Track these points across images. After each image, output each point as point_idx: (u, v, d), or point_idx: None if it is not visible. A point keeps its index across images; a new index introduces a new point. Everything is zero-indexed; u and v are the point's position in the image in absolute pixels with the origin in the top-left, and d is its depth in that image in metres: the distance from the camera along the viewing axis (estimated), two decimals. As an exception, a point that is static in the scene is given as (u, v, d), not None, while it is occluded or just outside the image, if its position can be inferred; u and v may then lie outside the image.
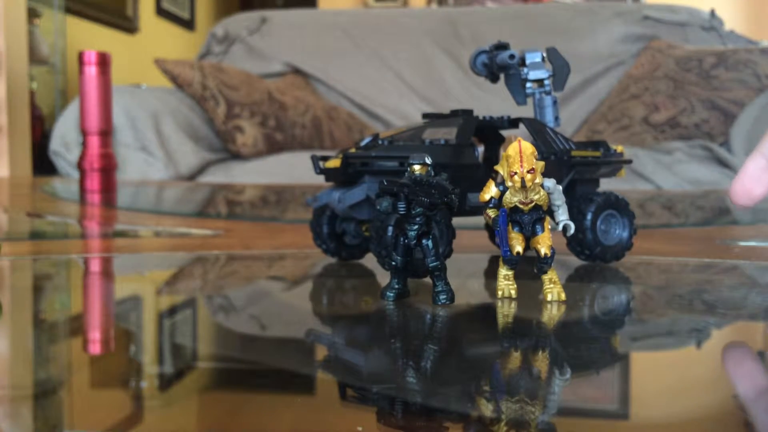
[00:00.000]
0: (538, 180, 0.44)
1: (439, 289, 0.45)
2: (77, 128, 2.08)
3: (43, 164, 2.57)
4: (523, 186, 0.43)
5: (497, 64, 0.62)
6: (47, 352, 0.39)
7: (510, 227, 0.45)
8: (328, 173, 0.57)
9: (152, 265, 0.69)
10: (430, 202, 0.43)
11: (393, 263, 0.45)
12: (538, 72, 0.62)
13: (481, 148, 0.65)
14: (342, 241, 0.61)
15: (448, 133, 0.57)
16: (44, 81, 2.88)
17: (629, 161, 0.62)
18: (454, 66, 2.70)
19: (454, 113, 0.59)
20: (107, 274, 0.65)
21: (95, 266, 0.68)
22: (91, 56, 1.56)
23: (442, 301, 0.45)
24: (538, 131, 0.58)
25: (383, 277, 0.50)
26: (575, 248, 0.59)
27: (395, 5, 4.17)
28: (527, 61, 0.62)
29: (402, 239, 0.45)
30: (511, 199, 0.45)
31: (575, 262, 0.61)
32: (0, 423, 0.27)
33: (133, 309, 0.50)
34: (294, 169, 2.12)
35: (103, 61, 1.57)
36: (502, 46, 0.63)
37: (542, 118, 0.62)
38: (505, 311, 0.45)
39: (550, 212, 0.46)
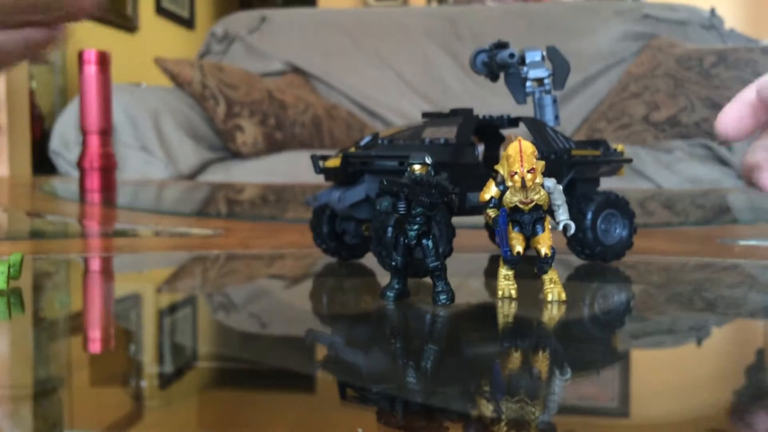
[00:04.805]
0: (538, 179, 0.44)
1: (440, 289, 0.45)
2: (77, 127, 2.08)
3: (42, 163, 2.57)
4: (524, 186, 0.43)
5: (497, 63, 0.62)
6: (47, 351, 0.38)
7: (510, 227, 0.45)
8: (328, 173, 0.57)
9: (152, 265, 0.69)
10: (430, 201, 0.43)
11: (393, 263, 0.45)
12: (538, 71, 0.61)
13: (481, 148, 0.65)
14: (342, 241, 0.60)
15: (448, 133, 0.57)
16: (44, 80, 2.88)
17: (629, 160, 0.62)
18: (454, 65, 2.70)
19: (454, 112, 0.59)
20: (107, 273, 0.65)
21: (95, 265, 0.68)
22: (90, 55, 1.56)
23: (443, 301, 0.45)
24: (538, 130, 0.58)
25: (383, 277, 0.50)
26: (575, 248, 0.59)
27: (395, 4, 4.17)
28: (527, 60, 0.62)
29: (402, 239, 0.45)
30: (512, 198, 0.45)
31: (575, 261, 0.61)
32: (0, 422, 0.27)
33: (132, 308, 0.50)
34: (294, 168, 2.12)
35: (103, 60, 1.57)
36: (501, 45, 0.63)
37: (542, 117, 0.62)
38: (506, 311, 0.45)
39: (551, 212, 0.46)
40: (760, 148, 0.45)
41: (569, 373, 0.35)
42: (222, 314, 0.49)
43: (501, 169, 0.45)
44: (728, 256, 0.72)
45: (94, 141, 1.58)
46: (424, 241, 0.44)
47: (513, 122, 0.62)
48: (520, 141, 0.44)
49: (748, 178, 0.45)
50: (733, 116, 0.45)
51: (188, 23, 4.11)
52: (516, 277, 0.46)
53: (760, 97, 0.43)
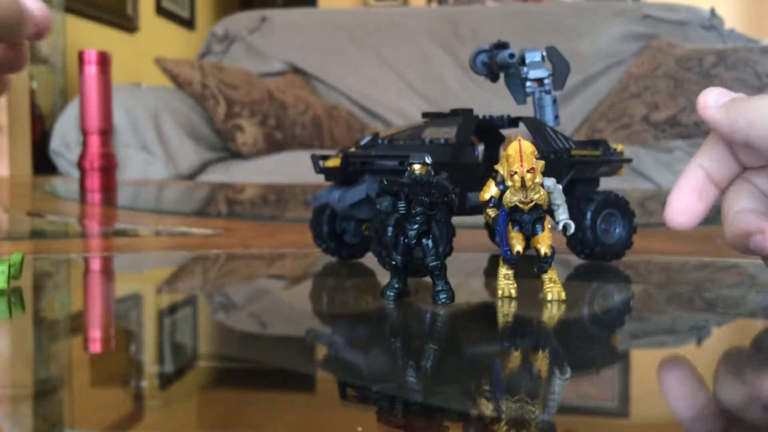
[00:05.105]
0: (538, 179, 0.44)
1: (440, 288, 0.45)
2: (77, 127, 2.08)
3: (43, 163, 2.56)
4: (523, 185, 0.43)
5: (497, 63, 0.62)
6: (47, 351, 0.39)
7: (510, 226, 0.45)
8: (328, 172, 0.57)
9: (152, 264, 0.69)
10: (430, 201, 0.43)
11: (393, 263, 0.45)
12: (537, 71, 0.61)
13: (481, 148, 0.65)
14: (342, 240, 0.61)
15: (448, 133, 0.57)
16: (44, 80, 2.88)
17: (629, 160, 0.62)
18: (454, 65, 2.70)
19: (454, 112, 0.59)
20: (107, 273, 0.65)
21: (95, 265, 0.68)
22: (91, 55, 1.56)
23: (443, 301, 0.45)
24: (537, 130, 0.58)
25: (383, 277, 0.50)
26: (575, 247, 0.59)
27: (395, 4, 4.17)
28: (527, 60, 0.62)
29: (402, 239, 0.45)
30: (511, 198, 0.45)
31: (575, 261, 0.61)
32: (0, 422, 0.27)
33: (133, 308, 0.51)
34: (294, 168, 2.12)
35: (104, 60, 1.57)
36: (501, 45, 0.63)
37: (542, 117, 0.62)
38: (506, 310, 0.45)
39: (550, 211, 0.46)
40: (742, 213, 0.42)
41: (569, 372, 0.35)
42: (222, 314, 0.49)
43: (501, 168, 0.45)
44: (728, 255, 0.72)
45: (94, 141, 1.58)
46: (424, 240, 0.44)
47: (513, 122, 0.62)
48: (519, 141, 0.44)
49: (742, 246, 0.42)
50: (681, 207, 0.43)
51: (188, 23, 4.11)
52: (516, 276, 0.46)
53: (725, 130, 0.40)
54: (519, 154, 0.43)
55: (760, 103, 0.39)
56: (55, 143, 2.23)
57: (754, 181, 0.43)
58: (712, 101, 0.41)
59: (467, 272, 0.61)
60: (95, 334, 0.43)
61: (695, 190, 0.43)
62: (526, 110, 0.63)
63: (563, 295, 0.46)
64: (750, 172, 0.43)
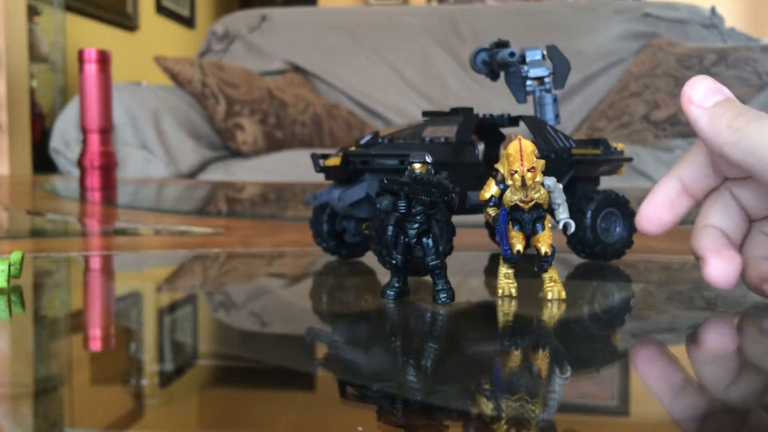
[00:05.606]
0: (538, 178, 0.44)
1: (440, 287, 0.45)
2: (77, 126, 2.08)
3: (43, 162, 2.57)
4: (524, 184, 0.43)
5: (497, 62, 0.62)
6: (47, 350, 0.39)
7: (510, 226, 0.45)
8: (328, 171, 0.57)
9: (152, 263, 0.69)
10: (430, 200, 0.43)
11: (393, 262, 0.45)
12: (538, 70, 0.61)
13: (481, 147, 0.65)
14: (342, 239, 0.60)
15: (448, 132, 0.57)
16: (44, 79, 2.88)
17: (629, 159, 0.62)
18: (454, 64, 2.70)
19: (455, 111, 0.59)
20: (107, 271, 0.65)
21: (95, 264, 0.68)
22: (91, 54, 1.56)
23: (443, 300, 0.45)
24: (538, 129, 0.58)
25: (383, 276, 0.50)
26: (575, 246, 0.59)
27: (395, 3, 4.17)
28: (527, 59, 0.62)
29: (402, 238, 0.45)
30: (512, 197, 0.45)
31: (575, 260, 0.61)
32: (0, 421, 0.27)
33: (133, 306, 0.50)
34: (294, 167, 2.12)
35: (104, 59, 1.57)
36: (502, 44, 0.63)
37: (542, 116, 0.62)
38: (506, 309, 0.45)
39: (551, 210, 0.46)
40: (706, 230, 0.43)
41: (569, 371, 0.35)
42: (222, 313, 0.49)
43: (501, 167, 0.45)
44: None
45: (94, 140, 1.58)
46: (424, 239, 0.44)
47: (513, 121, 0.62)
48: (520, 140, 0.44)
49: (697, 260, 0.43)
50: (650, 218, 0.44)
51: (188, 22, 4.11)
52: (516, 275, 0.46)
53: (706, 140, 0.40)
54: (519, 153, 0.43)
55: (741, 121, 0.38)
56: (55, 142, 2.23)
57: (734, 191, 0.43)
58: (698, 98, 0.40)
59: (467, 271, 0.61)
60: (95, 332, 0.43)
61: (667, 203, 0.44)
62: (527, 109, 0.63)
63: (563, 294, 0.46)
64: (732, 182, 0.43)
